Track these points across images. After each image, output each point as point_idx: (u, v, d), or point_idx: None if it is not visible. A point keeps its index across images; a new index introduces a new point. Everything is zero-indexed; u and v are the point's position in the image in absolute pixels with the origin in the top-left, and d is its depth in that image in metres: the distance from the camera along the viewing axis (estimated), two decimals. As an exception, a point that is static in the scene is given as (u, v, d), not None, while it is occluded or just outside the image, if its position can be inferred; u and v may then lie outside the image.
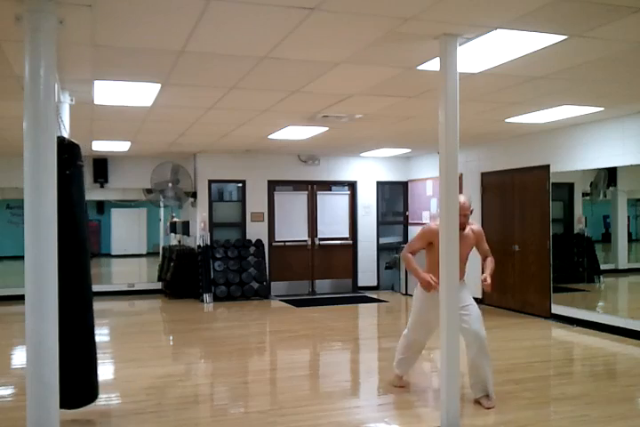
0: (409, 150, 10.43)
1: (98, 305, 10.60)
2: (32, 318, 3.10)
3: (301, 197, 11.15)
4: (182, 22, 3.58)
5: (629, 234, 8.04)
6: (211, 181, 10.62)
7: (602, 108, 6.53)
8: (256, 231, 10.70)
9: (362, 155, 11.10)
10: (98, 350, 3.97)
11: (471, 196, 4.84)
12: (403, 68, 4.70)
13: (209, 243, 10.37)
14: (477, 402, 4.59)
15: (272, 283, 10.79)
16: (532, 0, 3.29)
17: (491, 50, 4.18)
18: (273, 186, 10.92)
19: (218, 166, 10.57)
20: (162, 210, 12.57)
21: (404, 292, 10.70)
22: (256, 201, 10.77)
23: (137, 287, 10.97)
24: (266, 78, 4.98)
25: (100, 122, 7.05)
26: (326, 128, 7.62)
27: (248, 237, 10.64)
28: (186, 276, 10.32)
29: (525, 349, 6.50)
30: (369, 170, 11.46)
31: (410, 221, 11.55)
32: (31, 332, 3.10)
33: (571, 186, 8.23)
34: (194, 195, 10.54)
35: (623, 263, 7.92)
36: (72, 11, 3.30)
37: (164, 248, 11.74)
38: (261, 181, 10.80)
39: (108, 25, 3.64)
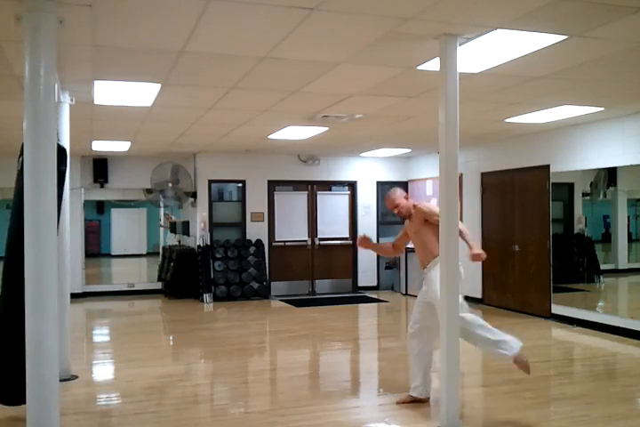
0: (409, 150, 10.43)
1: (98, 305, 10.62)
2: (32, 318, 3.10)
3: (301, 197, 11.14)
4: (182, 22, 3.58)
5: (629, 234, 8.04)
6: (211, 181, 10.62)
7: (602, 108, 6.53)
8: (256, 231, 10.70)
9: (362, 155, 11.10)
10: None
11: (399, 188, 4.92)
12: (403, 68, 4.70)
13: (209, 243, 10.37)
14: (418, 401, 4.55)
15: (272, 283, 10.78)
16: (531, 0, 3.29)
17: (491, 50, 4.18)
18: (273, 186, 10.92)
19: (218, 166, 10.57)
20: (162, 210, 12.57)
21: (404, 292, 10.70)
22: (256, 201, 10.77)
23: (137, 287, 10.97)
24: (266, 78, 4.98)
25: (100, 122, 7.05)
26: (326, 128, 7.62)
27: (248, 237, 10.64)
28: (186, 276, 10.31)
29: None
30: (369, 170, 11.46)
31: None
32: (31, 332, 3.10)
33: (571, 186, 8.22)
34: (194, 195, 10.54)
35: (623, 263, 7.92)
36: (72, 11, 3.30)
37: (163, 248, 11.74)
38: (261, 181, 10.80)
39: (108, 25, 3.64)
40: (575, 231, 8.25)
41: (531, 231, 8.44)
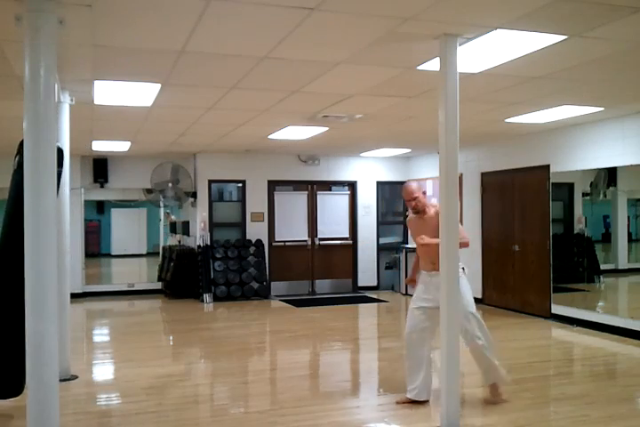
0: (409, 150, 10.43)
1: (98, 305, 10.63)
2: (32, 318, 3.10)
3: (301, 197, 11.14)
4: (182, 22, 3.58)
5: (629, 234, 8.03)
6: (211, 181, 10.62)
7: (602, 108, 6.53)
8: (256, 231, 10.70)
9: (362, 155, 11.10)
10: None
11: (421, 184, 4.84)
12: (403, 68, 4.70)
13: (209, 243, 10.37)
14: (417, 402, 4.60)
15: (272, 283, 10.78)
16: (531, 0, 3.29)
17: (491, 50, 4.18)
18: (273, 186, 10.92)
19: (218, 166, 10.57)
20: (162, 210, 12.57)
21: (403, 292, 10.70)
22: (256, 201, 10.77)
23: (137, 287, 10.97)
24: (266, 78, 4.98)
25: (100, 122, 7.05)
26: (326, 128, 7.62)
27: (248, 237, 10.64)
28: (186, 276, 10.32)
29: (525, 349, 6.50)
30: (369, 170, 11.46)
31: (410, 221, 11.54)
32: (31, 332, 3.10)
33: (571, 186, 8.22)
34: (194, 195, 10.54)
35: (623, 263, 7.92)
36: (72, 11, 3.30)
37: (163, 248, 11.74)
38: (261, 181, 10.80)
39: (108, 25, 3.64)
40: (575, 231, 8.25)
41: (531, 231, 8.44)
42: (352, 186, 11.44)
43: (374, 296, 10.71)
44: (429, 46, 4.01)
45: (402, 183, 11.56)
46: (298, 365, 6.13)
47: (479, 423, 4.28)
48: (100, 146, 9.09)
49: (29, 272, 3.09)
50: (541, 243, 8.22)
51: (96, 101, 5.82)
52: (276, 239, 10.91)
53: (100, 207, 16.27)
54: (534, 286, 8.39)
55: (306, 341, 7.20)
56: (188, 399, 4.93)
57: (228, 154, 10.51)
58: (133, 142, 8.82)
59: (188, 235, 11.03)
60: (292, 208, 11.03)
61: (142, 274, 13.82)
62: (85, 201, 10.90)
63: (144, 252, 15.37)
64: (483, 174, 9.43)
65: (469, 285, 4.74)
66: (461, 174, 9.41)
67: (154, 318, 9.31)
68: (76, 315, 8.44)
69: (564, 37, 3.92)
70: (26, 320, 3.10)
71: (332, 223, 11.28)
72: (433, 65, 4.43)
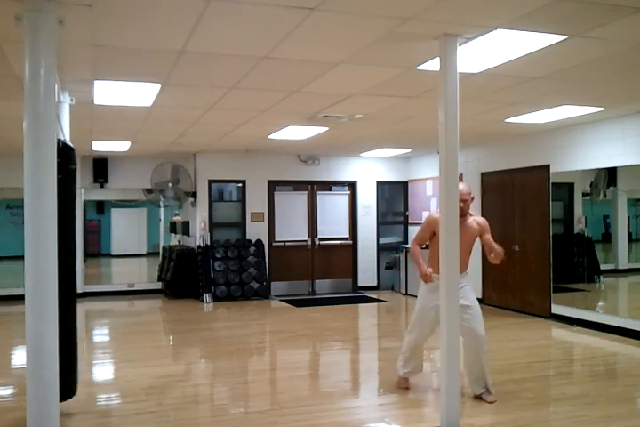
0: (409, 150, 10.43)
1: (98, 305, 10.62)
2: (32, 318, 3.10)
3: (301, 197, 11.14)
4: (182, 22, 3.58)
5: (629, 234, 8.03)
6: (211, 181, 10.62)
7: (602, 108, 6.53)
8: (256, 231, 10.70)
9: (362, 155, 11.10)
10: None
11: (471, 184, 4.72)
12: (403, 68, 4.70)
13: (209, 243, 10.37)
14: (479, 398, 4.64)
15: (272, 283, 10.78)
16: (531, 0, 3.29)
17: (491, 50, 4.18)
18: (273, 186, 10.92)
19: (218, 166, 10.57)
20: (162, 210, 12.57)
21: (404, 292, 10.70)
22: (256, 201, 10.77)
23: (137, 287, 10.97)
24: (266, 78, 4.98)
25: (100, 122, 7.05)
26: (326, 128, 7.62)
27: (248, 237, 10.64)
28: (186, 276, 10.32)
29: (525, 349, 6.50)
30: (369, 170, 11.46)
31: (410, 221, 11.55)
32: (31, 332, 3.10)
33: (571, 186, 8.22)
34: (194, 195, 10.54)
35: (623, 263, 7.92)
36: (72, 11, 3.30)
37: (163, 248, 11.74)
38: (261, 181, 10.80)
39: (108, 25, 3.64)
40: (575, 231, 8.25)
41: (531, 231, 8.44)
42: (352, 186, 11.44)
43: (374, 296, 10.71)
44: (429, 46, 4.01)
45: (402, 183, 11.66)
46: (298, 365, 6.13)
47: (479, 423, 4.27)
48: (100, 146, 9.09)
49: (29, 272, 3.09)
50: (541, 243, 8.22)
51: (96, 101, 5.82)
52: (276, 239, 10.91)
53: (100, 207, 16.27)
54: (534, 285, 8.39)
55: (306, 341, 7.20)
56: (188, 399, 4.93)
57: (228, 154, 10.51)
58: (133, 142, 8.82)
59: (188, 235, 11.03)
60: (291, 208, 11.03)
61: (142, 274, 13.82)
62: (85, 201, 10.92)
63: (144, 252, 15.37)
64: (483, 174, 9.43)
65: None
66: (461, 174, 9.40)
67: (154, 318, 9.30)
68: (77, 315, 8.42)
69: (563, 37, 3.92)
70: (26, 320, 3.11)
71: (332, 223, 11.29)
72: (433, 65, 4.43)
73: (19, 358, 6.33)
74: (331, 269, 11.26)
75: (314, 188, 11.21)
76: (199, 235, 10.38)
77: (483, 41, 3.96)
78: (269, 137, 8.41)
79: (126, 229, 15.96)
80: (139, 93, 5.49)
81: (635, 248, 8.13)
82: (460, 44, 3.89)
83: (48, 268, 3.11)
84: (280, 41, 3.95)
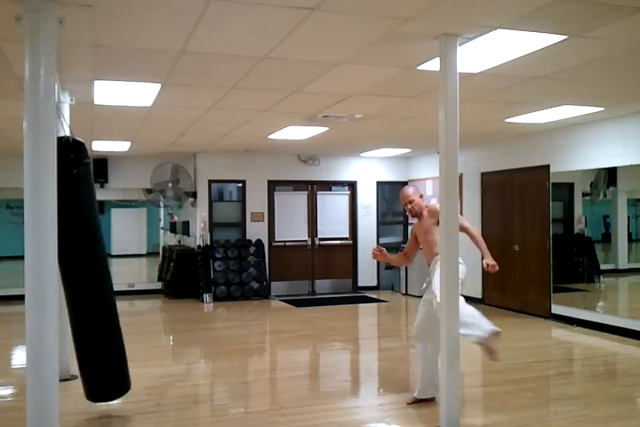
0: (409, 150, 10.43)
1: (98, 305, 10.48)
2: (32, 318, 3.10)
3: (301, 197, 11.14)
4: (182, 22, 3.58)
5: (629, 234, 8.03)
6: (211, 181, 10.62)
7: (602, 108, 6.53)
8: (256, 231, 10.70)
9: (362, 155, 11.10)
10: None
11: (416, 186, 4.64)
12: (403, 68, 4.70)
13: (209, 243, 10.37)
14: (431, 401, 4.54)
15: (272, 283, 10.78)
16: (531, 0, 3.29)
17: (491, 50, 4.18)
18: (273, 186, 10.92)
19: (218, 166, 10.58)
20: (162, 210, 12.57)
21: (403, 292, 10.70)
22: (256, 201, 10.77)
23: (137, 287, 10.97)
24: (266, 78, 4.98)
25: (100, 122, 7.05)
26: (326, 128, 7.62)
27: (248, 237, 10.64)
28: (186, 276, 10.31)
29: (525, 349, 6.50)
30: (369, 170, 11.46)
31: (410, 221, 11.55)
32: (31, 332, 3.10)
33: (571, 186, 8.22)
34: (194, 195, 10.54)
35: (623, 263, 7.92)
36: (72, 11, 3.30)
37: (163, 248, 11.74)
38: (261, 181, 10.80)
39: (108, 25, 3.64)
40: (575, 231, 8.25)
41: (531, 231, 8.44)
42: (352, 186, 11.44)
43: (374, 296, 10.70)
44: (429, 46, 4.01)
45: (402, 183, 11.63)
46: (298, 365, 6.13)
47: (479, 423, 4.27)
48: (100, 146, 9.09)
49: (29, 272, 3.08)
50: (541, 243, 8.22)
51: (96, 101, 5.82)
52: (276, 239, 10.91)
53: (100, 207, 16.22)
54: (534, 285, 8.39)
55: (306, 341, 7.20)
56: (188, 399, 4.93)
57: (228, 154, 10.51)
58: (133, 142, 8.82)
59: (188, 235, 11.02)
60: (292, 208, 11.03)
61: (142, 274, 13.82)
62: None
63: (144, 252, 15.37)
64: (483, 174, 9.43)
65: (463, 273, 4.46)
66: (461, 174, 9.41)
67: (154, 318, 9.31)
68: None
69: (564, 37, 3.92)
70: (26, 320, 3.11)
71: (332, 223, 11.29)
72: (433, 65, 4.43)
73: (19, 358, 6.33)
74: (331, 269, 11.26)
75: (314, 188, 11.21)
76: (199, 235, 10.38)
77: (483, 41, 3.96)
78: (269, 137, 8.41)
79: (126, 230, 15.96)
80: (139, 93, 5.49)
81: (635, 248, 8.13)
82: (460, 44, 3.89)
83: (48, 268, 3.10)
84: (280, 41, 3.95)
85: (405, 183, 11.64)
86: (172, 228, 12.03)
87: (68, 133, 4.24)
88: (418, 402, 4.60)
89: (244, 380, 5.62)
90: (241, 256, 10.41)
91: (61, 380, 4.10)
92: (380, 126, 7.55)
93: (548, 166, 8.10)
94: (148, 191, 10.85)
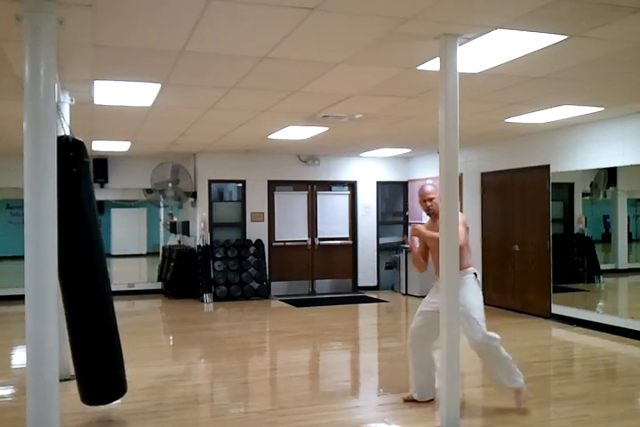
0: (409, 150, 10.43)
1: (98, 305, 10.48)
2: (32, 318, 3.10)
3: (301, 197, 11.14)
4: (182, 22, 3.58)
5: (629, 234, 8.03)
6: (211, 181, 10.62)
7: (602, 108, 6.53)
8: (256, 231, 10.70)
9: (362, 155, 11.10)
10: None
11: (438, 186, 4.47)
12: (403, 68, 4.70)
13: (209, 243, 10.37)
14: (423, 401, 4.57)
15: (272, 283, 10.78)
16: (531, 0, 3.29)
17: (491, 50, 4.19)
18: (273, 186, 10.92)
19: (218, 166, 10.58)
20: (162, 210, 12.57)
21: (404, 292, 10.69)
22: (256, 201, 10.77)
23: (137, 287, 10.97)
24: (266, 78, 4.98)
25: (99, 122, 7.05)
26: (326, 128, 7.62)
27: (248, 237, 10.64)
28: (186, 276, 10.31)
29: (525, 349, 6.49)
30: (369, 170, 11.46)
31: (410, 221, 11.55)
32: (31, 332, 3.10)
33: (571, 186, 8.22)
34: (194, 195, 10.54)
35: (623, 263, 7.92)
36: (72, 11, 3.30)
37: (163, 248, 11.74)
38: (261, 181, 10.80)
39: (108, 25, 3.64)
40: (575, 231, 8.25)
41: (531, 231, 8.44)
42: (352, 186, 11.44)
43: (374, 296, 10.70)
44: (429, 46, 4.01)
45: (402, 183, 11.67)
46: (298, 365, 6.13)
47: (479, 424, 4.27)
48: (99, 146, 9.09)
49: (29, 272, 3.08)
50: (541, 243, 8.22)
51: (96, 101, 5.82)
52: (276, 239, 10.91)
53: (100, 207, 16.24)
54: (534, 286, 8.39)
55: (306, 341, 7.20)
56: (188, 399, 4.93)
57: (228, 154, 10.51)
58: (133, 142, 8.82)
59: (188, 235, 11.02)
60: (291, 208, 11.03)
61: (142, 274, 13.82)
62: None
63: (144, 252, 15.37)
64: (483, 174, 9.43)
65: (479, 291, 4.54)
66: (461, 174, 9.41)
67: (154, 318, 9.31)
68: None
69: (564, 37, 3.92)
70: (26, 320, 3.11)
71: (332, 223, 11.28)
72: (433, 65, 4.43)
73: (19, 358, 6.33)
74: (331, 269, 11.25)
75: (314, 188, 11.21)
76: (199, 235, 10.37)
77: (483, 41, 3.97)
78: (269, 137, 8.41)
79: (126, 229, 15.96)
80: (139, 93, 5.49)
81: (635, 248, 8.13)
82: (460, 44, 3.89)
83: (48, 268, 3.10)
84: (280, 41, 3.95)
85: (405, 183, 11.65)
86: (172, 228, 12.02)
87: (67, 133, 4.24)
88: (416, 402, 4.60)
89: (244, 380, 5.62)
90: (241, 256, 10.41)
91: (61, 380, 4.10)
92: (380, 126, 7.55)
93: (548, 166, 8.10)
94: (148, 191, 10.85)
